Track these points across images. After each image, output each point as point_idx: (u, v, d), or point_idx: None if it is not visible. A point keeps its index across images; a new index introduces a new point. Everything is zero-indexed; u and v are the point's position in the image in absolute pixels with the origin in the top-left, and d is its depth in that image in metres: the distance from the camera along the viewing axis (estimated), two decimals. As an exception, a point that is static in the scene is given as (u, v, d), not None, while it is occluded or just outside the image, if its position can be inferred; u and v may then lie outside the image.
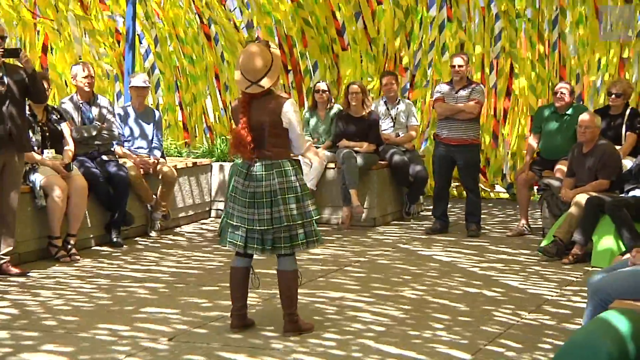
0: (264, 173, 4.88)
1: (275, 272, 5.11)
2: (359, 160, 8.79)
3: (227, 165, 9.29)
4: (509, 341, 4.90)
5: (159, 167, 8.42)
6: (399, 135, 9.37)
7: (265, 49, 4.89)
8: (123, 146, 8.40)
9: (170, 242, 8.16)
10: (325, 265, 6.98)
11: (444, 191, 8.63)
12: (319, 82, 9.79)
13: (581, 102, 10.03)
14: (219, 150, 9.70)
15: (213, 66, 11.46)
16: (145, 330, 5.09)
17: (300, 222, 4.91)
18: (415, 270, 6.80)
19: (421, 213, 9.62)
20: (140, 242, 8.08)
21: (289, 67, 11.18)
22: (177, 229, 8.81)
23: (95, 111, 7.97)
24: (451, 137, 8.40)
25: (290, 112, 4.90)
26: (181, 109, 11.59)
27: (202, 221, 9.31)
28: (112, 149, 8.14)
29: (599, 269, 5.15)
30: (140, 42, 11.23)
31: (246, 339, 4.93)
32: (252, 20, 11.20)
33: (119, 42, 11.20)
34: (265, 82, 4.87)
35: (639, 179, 7.18)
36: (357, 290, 6.11)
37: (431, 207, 8.81)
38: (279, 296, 5.12)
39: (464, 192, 8.87)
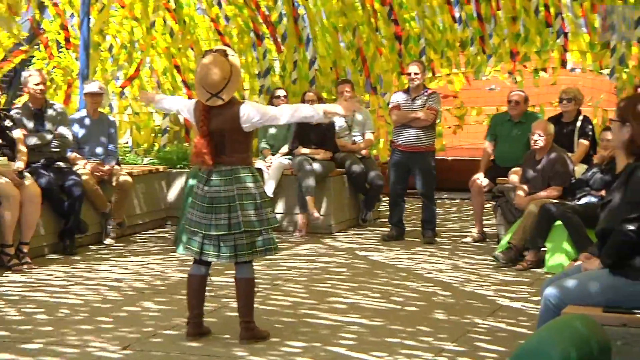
0: (223, 178, 4.87)
1: (231, 279, 5.08)
2: (316, 167, 8.80)
3: (184, 172, 9.25)
4: (463, 347, 4.94)
5: (114, 174, 8.35)
6: (355, 143, 9.40)
7: (223, 59, 4.85)
8: (78, 153, 8.31)
9: (124, 249, 8.09)
10: (282, 272, 6.97)
11: (399, 198, 8.68)
12: (277, 88, 9.80)
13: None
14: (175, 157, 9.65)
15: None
16: (99, 339, 5.03)
17: (258, 229, 4.90)
18: (372, 277, 6.82)
19: (377, 220, 9.68)
20: (94, 250, 7.99)
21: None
22: (132, 237, 8.73)
23: (48, 118, 7.87)
24: (407, 144, 8.46)
25: (248, 115, 4.87)
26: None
27: (158, 229, 9.24)
28: (66, 156, 8.05)
29: (553, 275, 5.22)
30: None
31: (204, 347, 4.90)
32: None
33: (67, 40, 11.02)
34: (226, 95, 4.86)
35: (591, 186, 7.29)
36: (315, 298, 6.11)
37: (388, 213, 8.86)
38: (235, 304, 5.10)
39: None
